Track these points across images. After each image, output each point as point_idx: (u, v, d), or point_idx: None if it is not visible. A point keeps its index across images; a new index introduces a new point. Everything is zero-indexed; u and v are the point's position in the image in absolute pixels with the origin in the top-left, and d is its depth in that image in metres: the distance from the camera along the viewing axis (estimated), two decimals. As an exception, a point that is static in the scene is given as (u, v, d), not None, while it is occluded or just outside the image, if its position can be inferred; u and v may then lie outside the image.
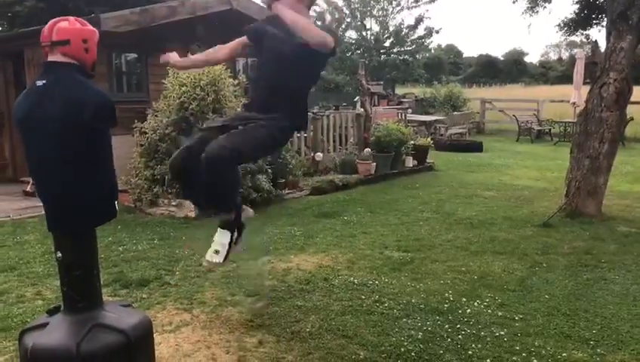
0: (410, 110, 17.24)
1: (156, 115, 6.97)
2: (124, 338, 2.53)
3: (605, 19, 7.35)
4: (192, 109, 6.67)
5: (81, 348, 2.42)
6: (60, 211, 2.51)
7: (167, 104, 6.92)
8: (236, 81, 7.27)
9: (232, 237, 3.02)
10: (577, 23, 8.29)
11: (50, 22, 2.44)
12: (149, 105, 7.33)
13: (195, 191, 3.13)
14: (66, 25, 2.42)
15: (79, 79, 2.40)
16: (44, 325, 2.59)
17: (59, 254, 2.56)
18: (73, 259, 2.55)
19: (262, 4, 9.59)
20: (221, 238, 3.00)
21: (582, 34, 8.85)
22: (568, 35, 8.36)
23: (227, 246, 2.99)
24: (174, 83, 6.87)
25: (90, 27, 2.48)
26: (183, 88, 6.74)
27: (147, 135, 6.78)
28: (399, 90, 26.01)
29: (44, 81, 2.39)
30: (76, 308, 2.58)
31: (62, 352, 2.45)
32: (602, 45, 7.10)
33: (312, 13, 18.75)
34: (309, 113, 9.89)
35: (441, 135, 15.47)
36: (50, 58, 2.42)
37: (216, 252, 2.98)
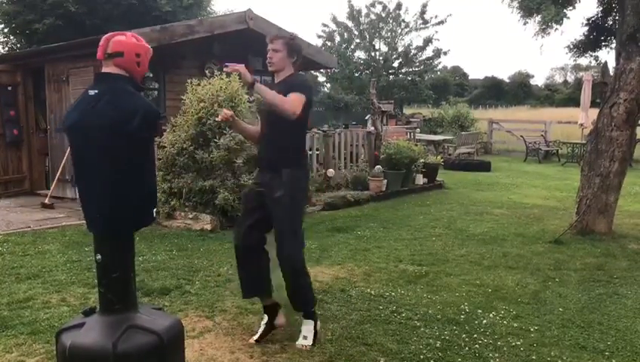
0: (418, 130, 17.41)
1: (174, 130, 7.13)
2: (157, 340, 2.61)
3: (614, 41, 7.49)
4: (210, 125, 6.83)
5: (117, 348, 2.51)
6: (101, 214, 2.61)
7: (185, 119, 7.09)
8: (252, 98, 7.43)
9: (315, 322, 3.53)
10: (586, 45, 8.44)
11: (107, 35, 2.57)
12: (166, 121, 7.48)
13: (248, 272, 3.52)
14: (122, 38, 2.55)
15: (129, 90, 2.51)
16: (80, 325, 2.67)
17: (98, 256, 2.66)
18: (112, 261, 2.64)
19: (276, 25, 9.81)
20: (307, 326, 3.51)
21: (591, 55, 9.00)
22: (577, 57, 8.52)
23: (313, 331, 3.49)
24: (193, 99, 7.04)
25: (145, 44, 2.61)
26: (202, 104, 6.90)
27: (165, 149, 6.93)
28: (407, 111, 26.19)
29: (95, 91, 2.50)
30: (112, 309, 2.67)
31: (99, 351, 2.53)
32: (611, 66, 7.24)
33: (320, 33, 18.41)
34: (320, 131, 10.08)
35: (450, 154, 15.60)
36: (104, 69, 2.55)
37: (305, 338, 3.46)
